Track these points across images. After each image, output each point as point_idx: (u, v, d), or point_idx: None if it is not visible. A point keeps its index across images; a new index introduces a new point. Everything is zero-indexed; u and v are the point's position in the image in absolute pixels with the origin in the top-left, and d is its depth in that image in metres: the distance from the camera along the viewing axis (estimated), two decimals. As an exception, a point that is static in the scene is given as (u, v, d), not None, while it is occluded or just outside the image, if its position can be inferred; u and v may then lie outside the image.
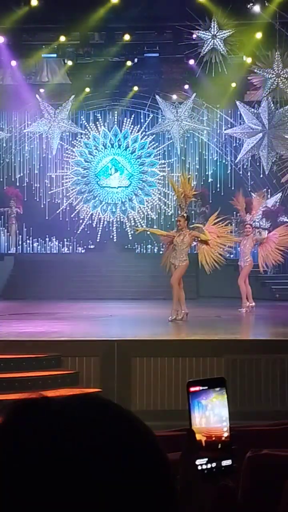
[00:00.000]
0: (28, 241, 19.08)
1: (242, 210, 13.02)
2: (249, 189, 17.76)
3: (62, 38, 15.18)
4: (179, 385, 7.60)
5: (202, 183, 18.90)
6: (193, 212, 16.36)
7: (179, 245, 10.31)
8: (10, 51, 16.03)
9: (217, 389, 1.19)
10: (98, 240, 19.04)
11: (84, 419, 0.78)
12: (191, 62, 15.95)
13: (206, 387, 1.18)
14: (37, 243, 19.13)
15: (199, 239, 10.65)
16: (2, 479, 0.74)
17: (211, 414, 1.17)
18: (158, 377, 7.69)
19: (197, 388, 1.18)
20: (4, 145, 19.12)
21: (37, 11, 13.81)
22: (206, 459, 1.16)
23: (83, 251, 19.03)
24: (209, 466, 1.16)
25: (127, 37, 15.16)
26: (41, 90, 17.96)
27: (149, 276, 15.18)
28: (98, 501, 0.74)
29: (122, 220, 19.31)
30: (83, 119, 19.21)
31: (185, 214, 10.79)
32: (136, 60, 16.59)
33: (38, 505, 0.73)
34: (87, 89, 17.94)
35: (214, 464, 1.17)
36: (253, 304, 11.95)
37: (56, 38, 15.32)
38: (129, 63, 16.62)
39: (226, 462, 1.18)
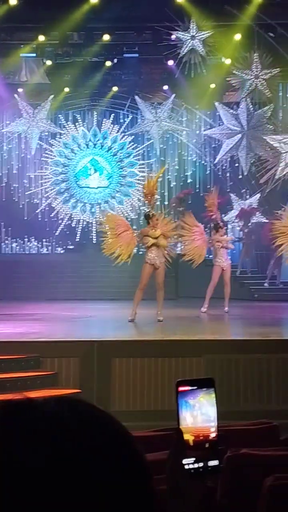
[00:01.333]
0: (6, 241, 18.98)
1: (214, 210, 12.96)
2: (228, 190, 17.85)
3: (41, 38, 15.12)
4: (158, 385, 7.61)
5: (181, 183, 18.96)
6: (172, 212, 16.38)
7: (156, 243, 10.36)
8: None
9: (205, 389, 1.19)
10: (77, 241, 18.99)
11: (73, 420, 0.79)
12: (171, 63, 15.98)
13: (195, 387, 1.19)
14: (16, 243, 19.03)
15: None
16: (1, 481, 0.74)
17: (199, 414, 1.18)
18: (138, 378, 7.70)
19: (185, 388, 1.18)
20: (-17, 144, 18.99)
21: (15, 10, 13.74)
22: (194, 459, 1.17)
23: (62, 252, 18.96)
24: (196, 465, 1.17)
25: (106, 37, 15.15)
26: (20, 90, 17.86)
27: (129, 277, 15.17)
28: (87, 502, 0.75)
29: (101, 220, 19.27)
30: (62, 119, 19.15)
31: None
32: (115, 60, 16.58)
33: (36, 506, 0.73)
34: (66, 89, 17.88)
35: (201, 464, 1.17)
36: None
37: (35, 38, 15.25)
38: (108, 63, 16.60)
39: (213, 462, 1.19)
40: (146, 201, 11.44)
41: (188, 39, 14.74)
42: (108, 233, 11.09)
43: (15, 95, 17.92)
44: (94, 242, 18.87)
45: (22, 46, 15.91)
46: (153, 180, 11.45)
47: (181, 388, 1.19)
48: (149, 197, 11.12)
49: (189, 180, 19.03)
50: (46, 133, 18.96)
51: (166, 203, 18.55)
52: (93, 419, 0.81)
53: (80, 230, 19.17)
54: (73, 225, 19.17)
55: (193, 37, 14.70)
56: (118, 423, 0.83)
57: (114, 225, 11.10)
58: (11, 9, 13.73)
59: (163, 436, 3.67)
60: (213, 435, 1.19)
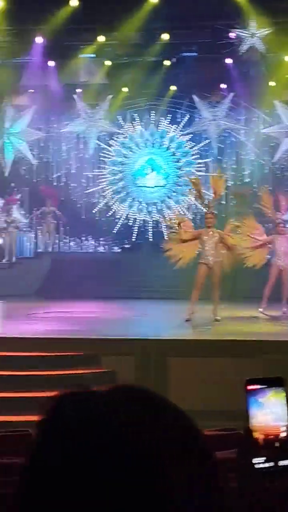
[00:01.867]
0: (64, 240, 19.23)
1: (270, 209, 12.73)
2: (287, 189, 17.59)
3: (102, 38, 15.23)
4: (215, 385, 7.57)
5: (239, 183, 18.79)
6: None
7: (208, 243, 10.31)
8: (48, 52, 16.19)
9: (274, 388, 1.17)
10: (134, 240, 19.08)
11: (131, 412, 0.78)
12: (229, 61, 15.86)
13: (264, 386, 1.17)
14: (74, 242, 19.26)
15: (226, 240, 10.56)
16: (43, 470, 0.74)
17: (269, 412, 1.16)
18: (194, 377, 7.68)
19: (255, 387, 1.16)
20: (42, 144, 19.29)
21: (76, 11, 13.90)
22: (264, 458, 1.15)
23: (119, 251, 19.08)
24: (266, 465, 1.15)
25: (165, 36, 15.13)
26: (78, 90, 18.08)
27: (185, 276, 15.13)
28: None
29: (158, 220, 19.30)
30: (120, 119, 19.27)
31: (215, 212, 10.84)
32: (174, 59, 16.56)
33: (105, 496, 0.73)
34: (125, 89, 17.99)
35: (271, 463, 1.15)
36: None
37: (95, 39, 15.39)
38: (167, 62, 16.60)
39: (284, 462, 1.16)
40: (212, 197, 11.33)
41: (248, 36, 14.60)
42: (175, 235, 11.07)
43: (74, 96, 18.14)
44: (150, 241, 18.91)
45: (82, 47, 16.09)
46: (221, 179, 11.43)
47: (250, 387, 1.17)
48: (214, 195, 11.07)
49: (246, 180, 18.84)
50: (104, 133, 19.11)
51: (223, 202, 18.42)
52: (159, 409, 0.80)
53: (136, 229, 19.25)
54: (129, 224, 19.27)
55: (252, 35, 14.54)
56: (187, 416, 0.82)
57: (184, 230, 11.03)
58: (72, 11, 13.90)
59: (225, 436, 3.64)
60: (283, 434, 1.17)
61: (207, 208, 11.23)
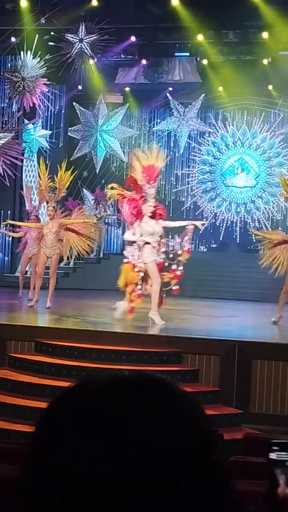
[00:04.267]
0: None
1: None
2: None
3: (200, 37, 15.14)
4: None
5: None
6: None
7: None
8: (142, 50, 16.33)
9: None
10: (221, 240, 18.96)
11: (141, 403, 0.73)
12: None
13: None
14: (160, 240, 19.35)
15: None
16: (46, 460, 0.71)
17: None
18: (279, 381, 7.54)
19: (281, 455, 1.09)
20: (133, 142, 19.49)
21: (172, 10, 13.93)
22: None
23: (205, 250, 19.01)
24: None
25: (264, 35, 14.85)
26: (170, 89, 18.14)
27: (273, 279, 14.89)
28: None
29: (246, 220, 19.10)
30: (211, 117, 19.18)
31: None
32: (270, 58, 16.29)
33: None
34: (219, 88, 17.88)
35: None
36: None
37: (190, 37, 15.38)
38: (264, 61, 16.32)
39: None
40: None
41: None
42: (266, 242, 10.91)
43: (167, 94, 18.22)
44: (237, 242, 18.74)
45: (177, 45, 16.12)
46: None
47: (273, 455, 1.10)
48: None
49: None
50: (195, 132, 19.09)
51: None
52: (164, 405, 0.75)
53: (224, 229, 19.11)
54: (217, 224, 19.16)
55: None
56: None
57: (272, 237, 10.87)
58: (169, 10, 13.94)
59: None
60: None
61: None
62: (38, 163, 11.85)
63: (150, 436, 0.70)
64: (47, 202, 11.47)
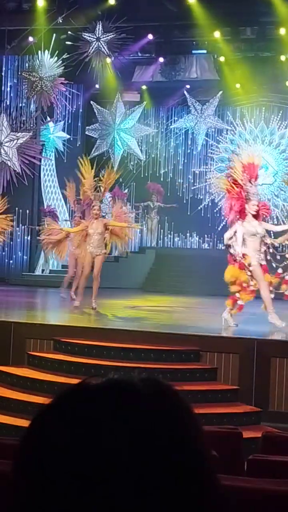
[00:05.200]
0: (169, 236, 19.35)
1: None
2: None
3: (217, 34, 15.09)
4: None
5: None
6: None
7: None
8: (159, 48, 16.31)
9: None
10: (239, 238, 18.87)
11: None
12: None
13: None
14: (178, 238, 19.34)
15: None
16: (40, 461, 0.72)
17: None
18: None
19: None
20: (151, 140, 19.49)
21: (189, 8, 13.90)
22: None
23: (223, 248, 18.92)
24: None
25: (282, 31, 14.77)
26: (188, 86, 18.11)
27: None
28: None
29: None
30: (229, 115, 19.11)
31: None
32: (287, 55, 16.19)
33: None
34: (237, 85, 17.81)
35: None
36: None
37: (207, 35, 15.33)
38: (282, 58, 16.22)
39: None
40: None
41: None
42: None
43: (184, 92, 18.19)
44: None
45: (194, 43, 16.08)
46: None
47: None
48: None
49: None
50: (213, 129, 19.03)
51: None
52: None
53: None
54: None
55: None
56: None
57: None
58: (186, 7, 13.92)
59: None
60: None
61: None
62: (80, 163, 11.44)
63: (141, 437, 0.71)
64: (75, 203, 11.23)
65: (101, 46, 14.59)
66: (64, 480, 0.70)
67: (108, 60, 15.30)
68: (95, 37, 14.59)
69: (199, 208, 19.21)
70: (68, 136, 18.27)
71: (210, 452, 0.76)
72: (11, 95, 17.71)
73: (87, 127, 18.74)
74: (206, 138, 19.03)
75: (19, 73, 16.26)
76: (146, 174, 19.50)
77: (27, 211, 17.74)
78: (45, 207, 17.37)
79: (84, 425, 0.71)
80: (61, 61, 14.69)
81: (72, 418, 0.72)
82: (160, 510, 0.69)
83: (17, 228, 17.33)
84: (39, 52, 14.84)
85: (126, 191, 18.92)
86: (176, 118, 19.15)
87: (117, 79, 17.17)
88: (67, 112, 18.15)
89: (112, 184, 11.57)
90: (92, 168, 11.44)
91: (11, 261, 18.00)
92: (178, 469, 0.71)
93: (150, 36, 15.77)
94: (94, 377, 0.77)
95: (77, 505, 0.69)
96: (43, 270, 17.49)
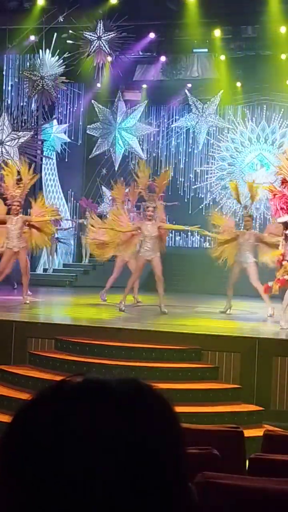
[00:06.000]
0: (170, 235, 19.33)
1: None
2: None
3: (217, 33, 15.08)
4: None
5: None
6: None
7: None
8: (160, 47, 16.30)
9: None
10: (240, 236, 18.87)
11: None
12: None
13: None
14: (179, 237, 19.33)
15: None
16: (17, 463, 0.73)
17: None
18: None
19: None
20: (152, 139, 19.48)
21: (189, 6, 13.89)
22: None
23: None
24: None
25: (282, 29, 14.75)
26: (189, 85, 18.09)
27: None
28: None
29: (266, 216, 19.00)
30: (230, 113, 19.10)
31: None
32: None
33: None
34: (238, 84, 17.79)
35: None
36: None
37: (208, 33, 15.32)
38: (283, 56, 16.22)
39: None
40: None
41: None
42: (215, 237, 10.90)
43: (186, 90, 18.17)
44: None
45: (195, 41, 16.07)
46: (256, 186, 11.15)
47: None
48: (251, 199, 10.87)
49: None
50: (214, 128, 19.02)
51: None
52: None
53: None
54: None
55: None
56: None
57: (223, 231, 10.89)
58: (185, 5, 13.91)
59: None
60: None
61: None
62: (136, 164, 11.35)
63: (120, 436, 0.72)
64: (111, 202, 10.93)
65: (102, 45, 14.58)
66: (50, 477, 0.71)
67: (109, 59, 15.29)
68: (96, 36, 14.58)
69: (200, 207, 19.20)
70: (69, 140, 18.25)
71: (186, 451, 0.78)
72: (12, 94, 17.70)
73: (88, 126, 18.73)
74: (207, 137, 19.01)
75: (20, 72, 16.26)
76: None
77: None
78: (82, 199, 17.33)
79: (62, 423, 0.73)
80: (62, 60, 14.68)
81: (52, 416, 0.74)
82: (125, 506, 0.71)
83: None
84: (40, 51, 14.84)
85: (127, 190, 18.89)
86: (177, 117, 19.14)
87: (118, 78, 17.16)
88: (68, 111, 18.14)
89: (166, 185, 11.43)
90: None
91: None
92: (151, 466, 0.72)
93: (151, 35, 15.76)
94: (76, 375, 0.78)
95: (62, 502, 0.70)
96: (45, 269, 17.49)
